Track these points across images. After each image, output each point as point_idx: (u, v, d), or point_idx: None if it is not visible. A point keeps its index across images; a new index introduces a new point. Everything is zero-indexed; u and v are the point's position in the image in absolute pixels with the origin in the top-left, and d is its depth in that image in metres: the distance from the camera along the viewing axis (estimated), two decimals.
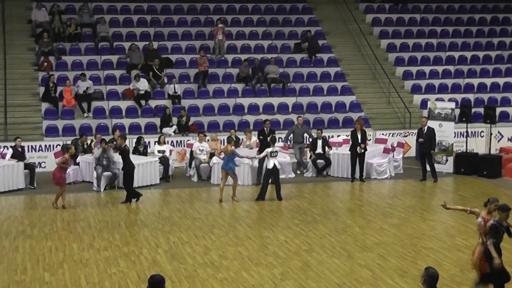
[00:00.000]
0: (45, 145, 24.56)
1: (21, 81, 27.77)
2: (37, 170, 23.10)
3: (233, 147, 20.70)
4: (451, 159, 24.68)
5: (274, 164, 20.51)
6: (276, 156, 20.66)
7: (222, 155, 20.85)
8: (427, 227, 17.83)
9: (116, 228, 17.68)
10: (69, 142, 23.73)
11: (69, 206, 19.73)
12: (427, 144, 23.33)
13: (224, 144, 23.04)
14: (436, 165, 23.78)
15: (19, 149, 22.48)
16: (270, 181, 21.05)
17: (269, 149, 20.71)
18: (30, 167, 22.39)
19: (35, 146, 24.27)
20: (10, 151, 22.42)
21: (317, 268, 14.54)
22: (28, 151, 23.75)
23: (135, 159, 22.35)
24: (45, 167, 24.18)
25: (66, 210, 19.36)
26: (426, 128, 23.47)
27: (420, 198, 21.38)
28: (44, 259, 15.17)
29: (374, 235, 17.06)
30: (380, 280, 13.82)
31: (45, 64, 27.86)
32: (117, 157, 21.41)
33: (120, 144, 20.50)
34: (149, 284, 8.53)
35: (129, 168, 20.35)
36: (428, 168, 23.43)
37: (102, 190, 21.74)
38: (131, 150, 23.74)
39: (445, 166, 24.63)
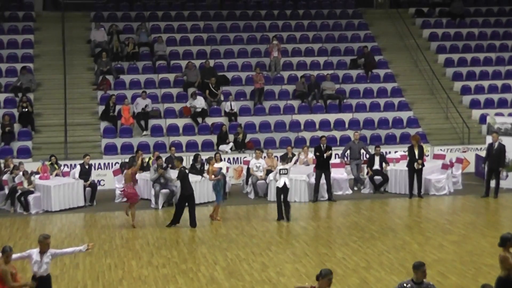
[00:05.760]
0: (104, 163, 24.85)
1: (80, 100, 28.21)
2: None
3: (215, 165, 20.39)
4: (511, 174, 24.25)
5: (285, 183, 20.15)
6: (286, 174, 20.22)
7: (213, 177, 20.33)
8: (488, 244, 17.51)
9: (174, 245, 17.80)
10: (126, 160, 24.03)
11: (127, 224, 19.95)
12: (496, 160, 22.93)
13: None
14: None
15: (86, 166, 22.82)
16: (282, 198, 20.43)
17: (280, 167, 20.45)
18: (92, 185, 22.71)
19: (95, 164, 24.48)
20: (78, 168, 22.80)
21: (375, 286, 14.42)
22: None
23: (191, 177, 22.51)
24: (104, 184, 24.45)
25: (124, 228, 19.57)
26: (497, 144, 23.07)
27: (480, 215, 21.03)
28: (103, 276, 15.36)
29: (433, 252, 16.85)
30: None
31: (104, 83, 28.30)
32: (175, 175, 21.49)
33: (177, 166, 20.42)
34: None
35: (186, 191, 19.81)
36: (492, 184, 23.00)
37: (160, 207, 21.92)
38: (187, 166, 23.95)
39: (505, 182, 24.18)
